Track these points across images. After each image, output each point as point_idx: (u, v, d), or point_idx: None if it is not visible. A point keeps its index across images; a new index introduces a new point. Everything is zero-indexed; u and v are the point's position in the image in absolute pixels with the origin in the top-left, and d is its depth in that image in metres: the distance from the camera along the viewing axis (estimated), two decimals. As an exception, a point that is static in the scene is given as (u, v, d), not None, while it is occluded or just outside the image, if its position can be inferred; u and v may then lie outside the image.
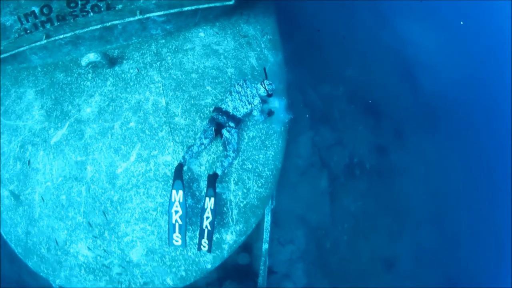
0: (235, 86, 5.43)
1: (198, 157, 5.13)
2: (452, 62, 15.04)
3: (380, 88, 11.54)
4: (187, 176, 4.97)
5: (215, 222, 4.68)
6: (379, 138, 10.88)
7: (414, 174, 11.23)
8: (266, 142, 5.71)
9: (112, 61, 5.66)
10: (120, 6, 5.23)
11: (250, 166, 5.41)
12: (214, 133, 5.11)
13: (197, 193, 4.95)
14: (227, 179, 5.15)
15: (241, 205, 5.11)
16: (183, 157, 4.88)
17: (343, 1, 12.34)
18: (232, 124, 5.13)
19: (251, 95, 5.37)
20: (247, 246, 6.36)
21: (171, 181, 4.80)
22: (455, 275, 11.81)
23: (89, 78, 5.61)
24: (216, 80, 5.82)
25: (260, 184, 5.37)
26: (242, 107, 5.28)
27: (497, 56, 17.86)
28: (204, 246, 4.50)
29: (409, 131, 11.83)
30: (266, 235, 6.12)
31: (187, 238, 4.61)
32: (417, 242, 10.66)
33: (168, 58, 5.85)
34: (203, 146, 5.05)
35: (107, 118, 5.30)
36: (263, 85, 5.52)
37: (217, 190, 4.92)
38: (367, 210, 9.59)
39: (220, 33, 6.34)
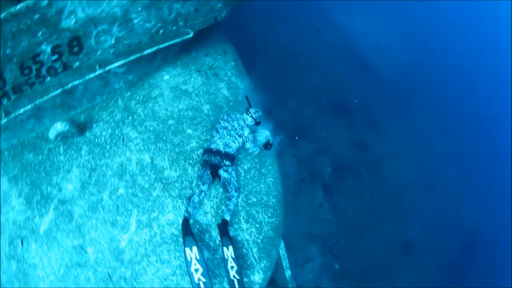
0: (220, 123, 5.21)
1: (201, 206, 4.84)
2: (402, 43, 15.51)
3: (343, 85, 11.67)
4: (196, 229, 4.65)
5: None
6: (356, 134, 10.98)
7: (399, 157, 11.38)
8: (263, 170, 5.55)
9: (81, 128, 5.22)
10: (77, 64, 4.78)
11: (255, 199, 5.21)
12: (211, 176, 4.85)
13: (212, 243, 4.64)
14: (237, 219, 4.91)
15: (258, 241, 4.88)
16: (186, 211, 4.58)
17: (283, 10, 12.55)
18: (227, 162, 4.89)
19: (239, 127, 5.16)
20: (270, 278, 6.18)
21: (181, 240, 4.49)
22: (469, 239, 12.12)
23: (61, 151, 5.11)
24: (195, 121, 5.58)
25: (270, 214, 5.18)
26: (233, 141, 5.05)
27: (444, 29, 18.75)
28: None
29: (382, 119, 11.99)
30: (285, 262, 5.93)
31: (216, 294, 4.35)
32: (424, 219, 10.80)
33: (139, 110, 5.52)
34: (203, 194, 4.78)
35: (93, 191, 4.84)
36: (249, 114, 5.34)
37: (231, 233, 4.66)
38: (368, 205, 9.64)
39: (185, 71, 6.15)
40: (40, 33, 4.04)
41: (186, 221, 4.47)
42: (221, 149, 4.93)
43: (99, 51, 4.86)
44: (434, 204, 11.32)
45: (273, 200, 5.35)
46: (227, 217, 4.64)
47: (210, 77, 6.24)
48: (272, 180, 5.57)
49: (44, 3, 3.74)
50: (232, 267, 4.27)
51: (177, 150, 5.23)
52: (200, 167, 4.98)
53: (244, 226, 4.91)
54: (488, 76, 18.79)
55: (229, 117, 5.27)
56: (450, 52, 17.63)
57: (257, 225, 4.98)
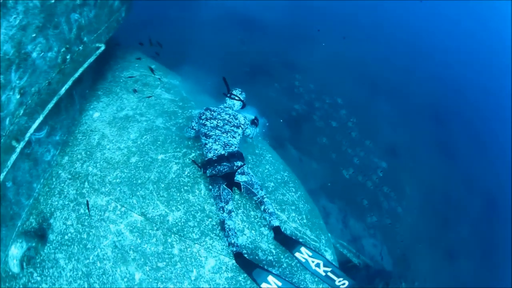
0: (206, 125, 3.92)
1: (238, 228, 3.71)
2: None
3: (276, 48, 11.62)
4: (245, 255, 3.49)
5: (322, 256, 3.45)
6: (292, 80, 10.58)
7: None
8: (257, 151, 4.57)
9: (40, 235, 3.53)
10: (-11, 151, 2.93)
11: (272, 184, 4.24)
12: (229, 189, 3.67)
13: (270, 257, 3.56)
14: (273, 215, 3.97)
15: (305, 221, 4.00)
16: (231, 245, 3.37)
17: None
18: (238, 163, 3.73)
19: (231, 117, 3.99)
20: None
21: (241, 278, 3.36)
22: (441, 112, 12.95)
23: (38, 279, 3.39)
24: (158, 142, 4.25)
25: (294, 189, 4.30)
26: (233, 136, 3.88)
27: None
28: (343, 284, 3.35)
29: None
30: None
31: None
32: (392, 121, 11.10)
33: (90, 169, 3.93)
34: (233, 213, 3.57)
35: (104, 295, 3.30)
36: (236, 97, 4.21)
37: (275, 232, 3.70)
38: (339, 135, 9.50)
39: (111, 97, 4.65)
40: None
41: (239, 256, 3.30)
42: (223, 153, 3.74)
43: (8, 119, 3.00)
44: (389, 102, 11.71)
45: (286, 174, 4.45)
46: (276, 222, 3.56)
47: (142, 89, 4.88)
48: (270, 155, 4.63)
49: None
50: (318, 265, 3.34)
51: (162, 185, 3.85)
52: (211, 187, 3.75)
53: (284, 216, 3.95)
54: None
55: (212, 112, 4.01)
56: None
57: (293, 207, 4.07)
